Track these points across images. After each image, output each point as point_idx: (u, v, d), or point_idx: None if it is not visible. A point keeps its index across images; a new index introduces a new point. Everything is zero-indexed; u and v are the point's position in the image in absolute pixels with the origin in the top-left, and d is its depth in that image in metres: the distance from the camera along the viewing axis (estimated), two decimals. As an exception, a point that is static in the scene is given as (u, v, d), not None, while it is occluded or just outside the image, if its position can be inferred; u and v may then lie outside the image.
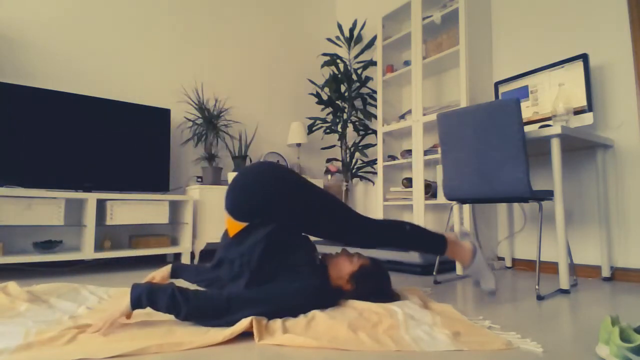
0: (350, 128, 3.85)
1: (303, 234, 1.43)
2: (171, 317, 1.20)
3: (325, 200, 1.40)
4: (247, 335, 1.06)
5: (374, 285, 1.42)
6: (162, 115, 2.90)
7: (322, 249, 2.87)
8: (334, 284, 1.41)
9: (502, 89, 2.45)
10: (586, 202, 2.22)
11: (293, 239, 1.36)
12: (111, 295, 1.60)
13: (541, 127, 1.92)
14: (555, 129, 1.74)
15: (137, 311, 1.18)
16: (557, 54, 2.39)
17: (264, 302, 1.18)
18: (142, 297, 1.09)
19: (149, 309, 1.14)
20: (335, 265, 1.43)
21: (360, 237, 1.43)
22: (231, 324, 1.11)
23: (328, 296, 1.36)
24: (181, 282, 1.68)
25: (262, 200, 1.33)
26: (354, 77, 3.58)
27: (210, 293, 1.17)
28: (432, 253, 1.53)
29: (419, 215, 2.79)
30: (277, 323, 1.12)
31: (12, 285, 1.55)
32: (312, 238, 3.24)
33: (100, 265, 2.72)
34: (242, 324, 1.08)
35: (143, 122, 2.81)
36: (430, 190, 2.79)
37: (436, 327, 1.11)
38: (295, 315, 1.23)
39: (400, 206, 3.30)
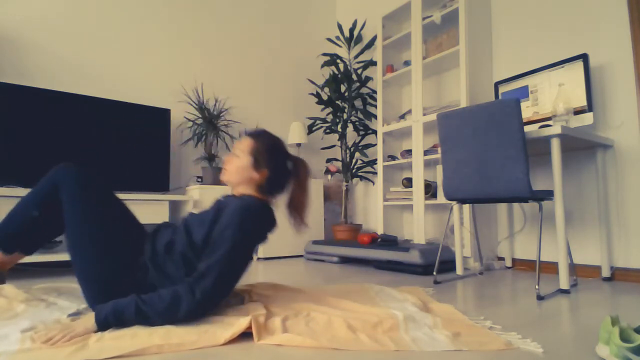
0: (350, 128, 3.85)
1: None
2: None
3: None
4: (246, 335, 1.06)
5: (271, 139, 1.37)
6: (162, 115, 2.90)
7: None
8: (245, 192, 1.36)
9: (502, 89, 2.44)
10: (586, 202, 2.22)
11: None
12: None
13: (541, 127, 1.92)
14: (555, 129, 1.74)
15: None
16: (557, 54, 2.39)
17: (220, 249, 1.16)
18: (109, 319, 1.05)
19: None
20: (231, 174, 1.36)
21: None
22: (209, 292, 1.11)
23: (267, 207, 1.29)
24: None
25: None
26: (354, 77, 3.58)
27: (174, 287, 1.12)
28: None
29: (419, 216, 2.78)
30: (276, 322, 1.12)
31: (8, 288, 1.54)
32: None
33: (100, 265, 2.72)
34: (242, 324, 1.07)
35: (143, 122, 2.81)
36: (430, 190, 2.79)
37: (437, 329, 1.11)
38: (256, 243, 1.26)
39: (400, 206, 3.30)
